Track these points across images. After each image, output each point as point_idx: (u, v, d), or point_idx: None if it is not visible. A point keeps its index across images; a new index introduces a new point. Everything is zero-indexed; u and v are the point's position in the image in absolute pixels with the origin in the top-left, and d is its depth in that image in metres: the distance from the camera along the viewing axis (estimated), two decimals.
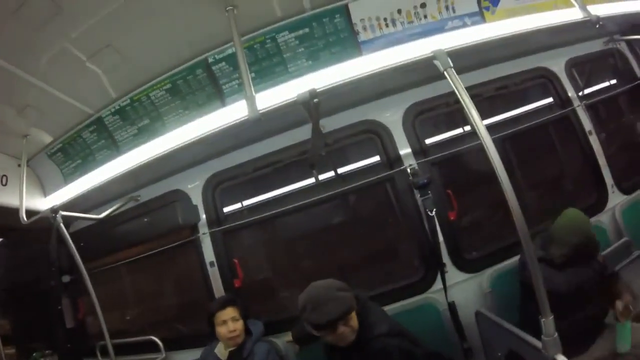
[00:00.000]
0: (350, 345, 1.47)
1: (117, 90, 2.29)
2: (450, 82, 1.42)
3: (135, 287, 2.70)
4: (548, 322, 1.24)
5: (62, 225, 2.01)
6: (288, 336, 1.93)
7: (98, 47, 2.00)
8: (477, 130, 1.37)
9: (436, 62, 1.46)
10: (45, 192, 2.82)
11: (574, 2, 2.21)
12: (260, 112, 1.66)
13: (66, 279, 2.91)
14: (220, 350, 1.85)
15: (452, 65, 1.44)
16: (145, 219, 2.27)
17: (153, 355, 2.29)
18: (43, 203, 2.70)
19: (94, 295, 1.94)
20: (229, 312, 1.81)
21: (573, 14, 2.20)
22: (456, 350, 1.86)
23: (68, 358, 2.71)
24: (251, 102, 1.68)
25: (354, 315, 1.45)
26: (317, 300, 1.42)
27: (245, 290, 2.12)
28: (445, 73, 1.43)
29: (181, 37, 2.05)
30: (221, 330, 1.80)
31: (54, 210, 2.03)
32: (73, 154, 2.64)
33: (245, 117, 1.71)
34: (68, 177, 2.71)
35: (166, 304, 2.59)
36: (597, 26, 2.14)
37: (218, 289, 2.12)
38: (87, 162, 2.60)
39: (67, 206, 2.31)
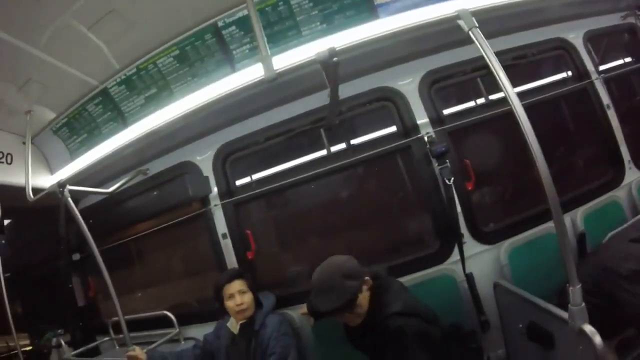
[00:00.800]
0: (366, 324, 1.47)
1: (122, 59, 2.22)
2: (477, 43, 1.36)
3: (147, 263, 2.68)
4: (575, 291, 1.23)
5: (70, 200, 1.96)
6: (303, 308, 1.91)
7: (101, 15, 1.92)
8: (507, 95, 1.33)
9: (460, 22, 1.40)
10: (51, 169, 2.78)
11: None
12: (277, 71, 1.60)
13: (76, 257, 2.92)
14: (232, 323, 1.84)
15: (476, 25, 1.37)
16: (155, 193, 2.23)
17: (167, 330, 2.28)
18: (49, 180, 2.66)
19: (105, 272, 1.90)
20: (236, 285, 1.78)
21: None
22: (473, 322, 1.84)
23: (80, 336, 2.73)
24: (267, 63, 1.62)
25: (361, 300, 1.43)
26: (322, 286, 1.42)
27: (259, 263, 2.10)
28: (470, 33, 1.37)
29: (188, 1, 1.98)
30: (229, 304, 1.78)
31: (61, 185, 1.98)
32: (78, 128, 2.58)
33: (261, 78, 1.66)
34: (74, 152, 2.66)
35: (179, 278, 2.57)
36: None
37: (231, 262, 2.09)
38: (93, 136, 2.55)
39: (75, 182, 2.27)
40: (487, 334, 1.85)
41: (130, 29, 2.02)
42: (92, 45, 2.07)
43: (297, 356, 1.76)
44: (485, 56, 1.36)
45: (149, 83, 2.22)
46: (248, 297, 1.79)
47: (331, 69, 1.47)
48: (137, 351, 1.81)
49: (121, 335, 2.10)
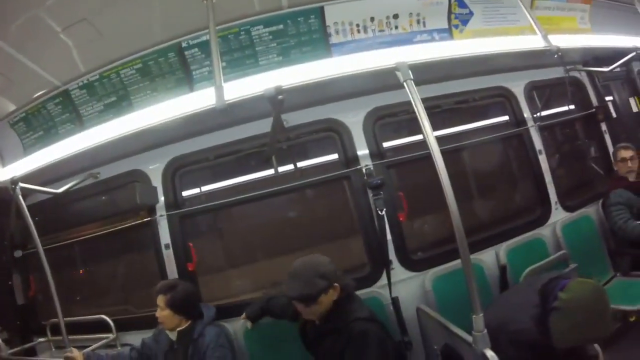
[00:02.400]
0: (326, 327, 1.56)
1: (87, 64, 2.26)
2: (408, 92, 1.51)
3: (90, 266, 2.66)
4: (478, 319, 1.35)
5: (20, 197, 1.95)
6: (240, 318, 1.98)
7: (73, 20, 1.98)
8: (427, 140, 1.45)
9: (397, 73, 1.54)
10: (3, 161, 2.74)
11: (536, 30, 2.39)
12: (227, 102, 1.70)
13: (18, 254, 2.85)
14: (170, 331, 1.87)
15: (412, 77, 1.52)
16: (104, 197, 2.25)
17: (104, 335, 2.26)
18: (0, 173, 2.63)
19: (48, 272, 1.88)
20: (158, 300, 1.83)
21: (535, 42, 2.38)
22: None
23: (18, 336, 2.66)
24: (219, 92, 1.72)
25: (322, 301, 1.50)
26: (294, 273, 1.53)
27: (199, 274, 2.15)
28: (404, 84, 1.51)
29: (157, 19, 2.06)
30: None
31: (14, 182, 1.97)
32: (36, 125, 2.57)
33: (212, 106, 1.74)
34: (28, 148, 2.64)
35: (120, 284, 2.57)
36: (556, 56, 2.32)
37: (172, 272, 2.13)
38: (49, 134, 2.55)
39: (25, 178, 2.25)
40: (410, 353, 1.97)
41: (99, 38, 2.07)
42: (60, 47, 2.10)
43: None
44: (413, 105, 1.50)
45: (109, 91, 2.27)
46: (163, 314, 1.82)
47: (276, 104, 1.59)
48: (75, 353, 1.81)
49: (58, 338, 2.09)
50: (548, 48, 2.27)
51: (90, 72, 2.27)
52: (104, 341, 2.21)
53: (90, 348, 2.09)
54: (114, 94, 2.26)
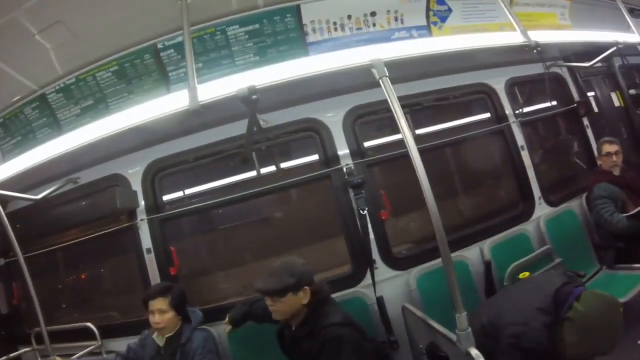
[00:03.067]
0: (301, 331, 1.56)
1: (64, 67, 2.24)
2: (384, 90, 1.50)
3: (72, 272, 2.63)
4: (461, 318, 1.35)
5: None
6: (225, 320, 1.95)
7: (49, 22, 1.95)
8: (404, 138, 1.44)
9: (373, 71, 1.54)
10: None
11: (515, 27, 2.39)
12: (201, 103, 1.68)
13: (0, 262, 2.80)
14: (158, 335, 1.85)
15: (387, 74, 1.51)
16: (84, 202, 2.20)
17: (89, 342, 2.22)
18: None
19: (29, 280, 1.85)
20: (157, 304, 1.80)
21: (514, 38, 2.37)
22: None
23: (2, 345, 2.61)
24: (193, 93, 1.70)
25: (289, 300, 1.52)
26: (272, 269, 1.57)
27: (181, 278, 2.12)
28: (380, 81, 1.51)
29: (133, 20, 2.03)
30: (150, 319, 1.80)
31: None
32: (13, 130, 2.53)
33: (186, 107, 1.73)
34: (7, 154, 2.60)
35: (103, 290, 2.54)
36: (535, 51, 2.33)
37: (154, 276, 2.11)
38: (27, 139, 2.51)
39: (4, 185, 2.21)
40: (397, 352, 1.96)
41: (74, 40, 2.05)
42: (36, 50, 2.08)
43: None
44: (389, 102, 1.49)
45: (86, 94, 2.25)
46: (166, 317, 1.79)
47: (250, 105, 1.57)
48: None
49: (43, 346, 2.05)
50: (527, 43, 2.27)
51: (66, 76, 2.25)
52: (88, 349, 2.17)
53: (75, 356, 2.07)
54: (90, 97, 2.23)
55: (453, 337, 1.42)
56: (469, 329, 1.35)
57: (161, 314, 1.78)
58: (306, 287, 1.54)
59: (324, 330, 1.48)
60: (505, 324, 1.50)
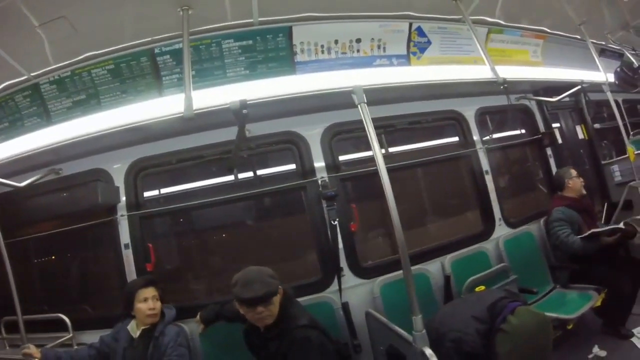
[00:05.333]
0: (270, 333, 1.62)
1: (61, 60, 2.27)
2: (361, 114, 1.64)
3: (47, 263, 2.64)
4: (417, 320, 1.48)
5: None
6: (196, 318, 2.05)
7: (52, 16, 1.98)
8: (375, 158, 1.59)
9: (353, 96, 1.68)
10: None
11: (486, 63, 2.62)
12: (195, 112, 1.81)
13: None
14: (133, 327, 1.92)
15: (365, 101, 1.66)
16: (65, 194, 2.24)
17: (60, 334, 2.23)
18: None
19: (9, 268, 1.89)
20: (152, 291, 1.90)
21: (485, 73, 2.61)
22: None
23: None
24: (188, 102, 1.83)
25: (276, 301, 1.59)
26: (248, 278, 1.58)
27: (157, 275, 2.16)
28: (358, 107, 1.65)
29: (134, 23, 2.11)
30: (142, 306, 1.87)
31: None
32: (2, 116, 2.54)
33: (181, 114, 1.85)
34: None
35: (78, 283, 2.55)
36: (502, 87, 2.57)
37: (130, 272, 2.17)
38: (15, 127, 2.52)
39: None
40: (360, 356, 2.07)
41: (75, 35, 2.09)
42: (36, 40, 2.10)
43: None
44: (365, 125, 1.63)
45: (80, 88, 2.30)
46: (159, 305, 1.91)
47: (240, 117, 1.72)
48: (32, 349, 1.81)
49: (14, 335, 2.06)
50: (495, 80, 2.51)
51: (62, 68, 2.29)
52: (60, 340, 2.18)
53: (47, 346, 2.05)
54: (84, 91, 2.29)
55: (410, 338, 1.54)
56: (424, 331, 1.48)
57: (155, 300, 1.89)
58: (280, 288, 1.64)
59: (293, 331, 1.56)
60: (447, 330, 1.67)
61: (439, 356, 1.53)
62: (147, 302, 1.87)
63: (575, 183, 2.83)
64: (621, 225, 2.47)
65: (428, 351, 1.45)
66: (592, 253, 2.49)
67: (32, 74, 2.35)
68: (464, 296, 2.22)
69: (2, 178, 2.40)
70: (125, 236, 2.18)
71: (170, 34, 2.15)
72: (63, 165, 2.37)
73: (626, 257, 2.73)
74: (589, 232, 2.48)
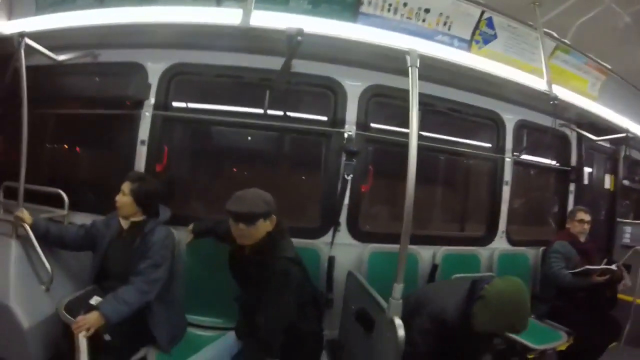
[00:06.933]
0: (254, 257, 1.64)
1: None
2: (410, 78, 1.58)
3: (63, 140, 2.68)
4: (398, 287, 1.48)
5: (22, 53, 1.93)
6: (188, 227, 2.08)
7: None
8: (410, 128, 1.53)
9: (407, 57, 1.60)
10: (11, 14, 2.68)
11: (544, 74, 2.52)
12: (251, 26, 1.77)
13: None
14: (121, 217, 1.94)
15: (417, 65, 1.58)
16: (98, 79, 2.26)
17: (54, 209, 2.26)
18: (5, 26, 2.56)
19: (25, 134, 1.88)
20: (124, 185, 1.89)
21: (539, 84, 2.53)
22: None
23: None
24: (247, 13, 1.80)
25: (261, 226, 1.60)
26: (243, 195, 1.61)
27: (164, 177, 2.21)
28: (409, 69, 1.58)
29: None
30: (117, 197, 1.90)
31: (22, 35, 1.95)
32: None
33: (236, 25, 1.81)
34: (41, 9, 2.58)
35: (86, 166, 2.63)
36: (551, 102, 2.48)
37: (140, 167, 2.20)
38: (66, 1, 2.53)
39: (31, 36, 2.24)
40: (329, 310, 2.10)
41: None
42: None
43: (168, 269, 1.89)
44: (410, 92, 1.56)
45: None
46: (123, 200, 1.87)
47: (293, 45, 1.68)
48: (25, 214, 1.85)
49: (10, 201, 2.11)
50: (547, 92, 2.42)
51: None
52: (51, 214, 2.19)
53: (40, 216, 2.05)
54: None
55: (385, 305, 1.55)
56: (400, 300, 1.48)
57: (122, 195, 1.87)
58: (273, 215, 1.64)
59: (276, 261, 1.58)
60: (429, 299, 1.73)
61: (414, 324, 1.58)
62: (119, 194, 1.88)
63: (575, 226, 2.79)
64: (614, 267, 2.48)
65: (397, 321, 1.45)
66: (579, 289, 2.51)
67: None
68: (446, 280, 2.26)
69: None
70: (144, 132, 2.19)
71: None
72: (104, 51, 2.36)
73: (609, 300, 2.71)
74: (583, 267, 2.48)
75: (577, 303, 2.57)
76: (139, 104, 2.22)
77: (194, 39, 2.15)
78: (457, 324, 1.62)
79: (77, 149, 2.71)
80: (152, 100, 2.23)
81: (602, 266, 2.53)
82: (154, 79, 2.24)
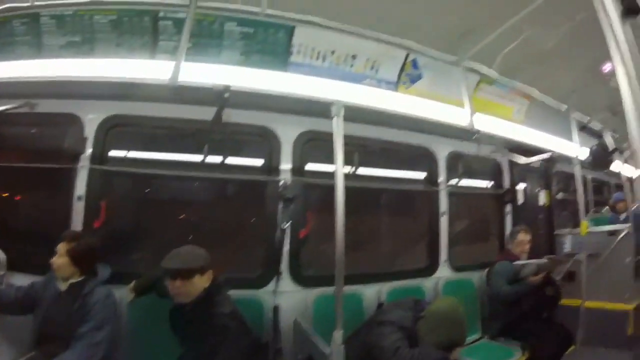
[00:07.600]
0: (192, 314, 1.65)
1: None
2: (334, 127, 1.73)
3: None
4: (338, 335, 1.54)
5: None
6: (129, 285, 2.00)
7: None
8: (335, 172, 1.66)
9: (332, 108, 1.77)
10: None
11: (467, 109, 2.72)
12: (180, 83, 1.86)
13: None
14: (58, 278, 1.88)
15: (341, 115, 1.74)
16: (33, 130, 2.22)
17: None
18: None
19: None
20: (60, 246, 1.86)
21: (463, 119, 2.71)
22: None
23: None
24: (177, 70, 1.88)
25: (197, 283, 1.62)
26: (178, 252, 1.66)
27: (103, 234, 2.16)
28: (333, 119, 1.74)
29: None
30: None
31: None
32: None
33: (166, 81, 1.89)
34: None
35: (22, 223, 2.50)
36: (474, 137, 2.71)
37: (77, 224, 2.15)
38: (4, 50, 2.49)
39: None
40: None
41: None
42: None
43: (111, 331, 1.84)
44: (334, 139, 1.72)
45: (77, 30, 2.28)
46: (59, 261, 1.84)
47: (222, 100, 1.83)
48: None
49: None
50: (470, 128, 2.65)
51: (66, 5, 2.26)
52: None
53: None
54: (80, 34, 2.27)
55: (327, 350, 1.60)
56: (342, 346, 1.54)
57: (58, 256, 1.84)
58: (210, 270, 1.68)
59: (214, 317, 1.60)
60: (380, 313, 2.05)
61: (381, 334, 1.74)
62: (56, 256, 1.84)
63: (516, 246, 2.97)
64: (544, 259, 2.66)
65: None
66: (523, 297, 2.66)
67: (36, 3, 2.35)
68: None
69: None
70: (81, 188, 2.15)
71: (179, 2, 2.19)
72: (41, 101, 2.32)
73: (552, 299, 2.86)
74: (512, 266, 2.65)
75: (524, 313, 2.71)
76: (75, 158, 2.19)
77: (130, 89, 2.19)
78: (412, 335, 1.87)
79: (15, 204, 2.60)
80: (89, 153, 2.20)
81: (530, 260, 2.70)
82: (90, 132, 2.22)
